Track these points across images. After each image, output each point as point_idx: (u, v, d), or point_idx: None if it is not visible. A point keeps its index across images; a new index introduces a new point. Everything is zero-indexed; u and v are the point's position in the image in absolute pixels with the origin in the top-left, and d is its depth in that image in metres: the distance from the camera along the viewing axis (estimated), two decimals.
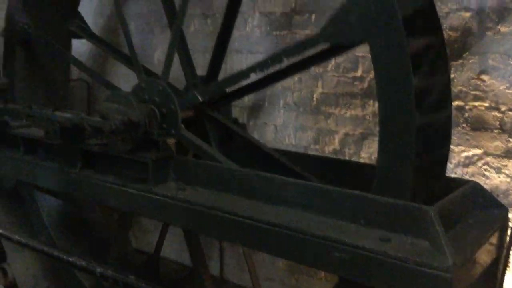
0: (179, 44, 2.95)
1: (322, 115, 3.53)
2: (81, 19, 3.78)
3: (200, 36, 4.04)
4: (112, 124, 2.47)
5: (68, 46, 3.89)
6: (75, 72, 4.45)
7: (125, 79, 4.17)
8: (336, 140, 3.48)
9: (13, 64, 3.67)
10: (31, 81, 3.74)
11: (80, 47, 4.40)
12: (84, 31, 3.73)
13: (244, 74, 2.58)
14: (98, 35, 3.85)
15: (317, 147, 3.58)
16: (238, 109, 3.86)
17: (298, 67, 2.57)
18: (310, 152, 3.51)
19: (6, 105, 3.17)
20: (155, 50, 4.44)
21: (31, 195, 3.82)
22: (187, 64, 3.13)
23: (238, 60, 3.81)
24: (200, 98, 2.76)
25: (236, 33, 3.43)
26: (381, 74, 2.01)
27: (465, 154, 3.00)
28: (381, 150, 2.05)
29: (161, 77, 2.80)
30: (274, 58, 2.39)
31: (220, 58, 3.01)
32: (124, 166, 2.67)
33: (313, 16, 3.47)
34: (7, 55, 3.68)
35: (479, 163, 2.96)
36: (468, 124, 2.96)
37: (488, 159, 2.92)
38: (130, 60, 3.13)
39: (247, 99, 3.86)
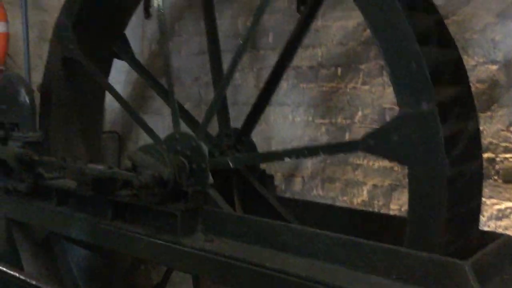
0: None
1: (350, 166, 3.53)
2: (126, 41, 3.84)
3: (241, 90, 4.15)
4: (142, 178, 2.52)
5: (107, 71, 3.95)
6: (107, 124, 4.58)
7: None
8: (365, 192, 3.45)
9: (48, 117, 3.80)
10: (65, 134, 3.85)
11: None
12: (127, 54, 3.79)
13: (280, 156, 2.87)
14: (139, 61, 3.90)
15: (345, 198, 3.55)
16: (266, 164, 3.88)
17: None
18: (338, 204, 3.49)
19: (41, 158, 3.26)
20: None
21: (61, 245, 3.86)
22: (223, 115, 3.23)
23: (266, 111, 3.86)
24: (231, 164, 2.84)
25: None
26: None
27: (497, 207, 2.94)
28: (412, 201, 2.03)
29: (197, 132, 2.85)
30: (312, 151, 2.60)
31: (257, 114, 3.09)
32: (153, 217, 2.70)
33: (339, 70, 3.53)
34: (43, 109, 3.82)
35: None
36: (500, 177, 2.91)
37: None
38: (167, 94, 3.24)
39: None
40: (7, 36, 3.76)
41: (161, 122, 4.43)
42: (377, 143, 2.11)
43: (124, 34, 3.83)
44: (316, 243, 2.15)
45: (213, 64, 3.39)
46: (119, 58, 3.85)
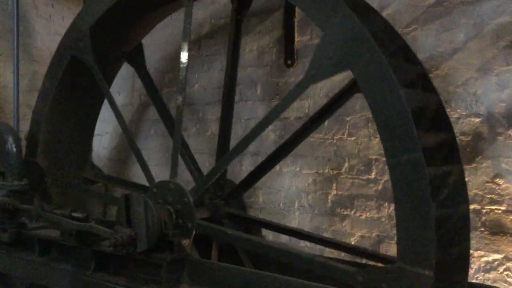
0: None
1: (337, 217, 3.52)
2: (141, 50, 3.81)
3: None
4: (118, 237, 2.50)
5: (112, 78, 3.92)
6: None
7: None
8: (352, 243, 3.43)
9: (34, 165, 3.77)
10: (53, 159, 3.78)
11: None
12: (138, 62, 3.79)
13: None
14: (150, 75, 3.89)
15: (333, 250, 3.51)
16: (253, 210, 3.87)
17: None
18: (326, 255, 3.45)
19: (25, 207, 3.21)
20: None
21: None
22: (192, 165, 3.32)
23: (253, 162, 3.89)
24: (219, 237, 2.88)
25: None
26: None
27: (485, 259, 2.93)
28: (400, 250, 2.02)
29: (191, 190, 2.85)
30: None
31: (258, 176, 3.23)
32: (137, 267, 2.65)
33: (326, 122, 3.58)
34: (29, 155, 3.78)
35: (500, 269, 2.87)
36: (486, 228, 2.92)
37: (510, 264, 2.84)
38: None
39: (262, 200, 3.88)
40: None
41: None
42: None
43: (141, 44, 3.81)
44: None
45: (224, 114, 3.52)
46: (131, 64, 3.86)
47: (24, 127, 4.00)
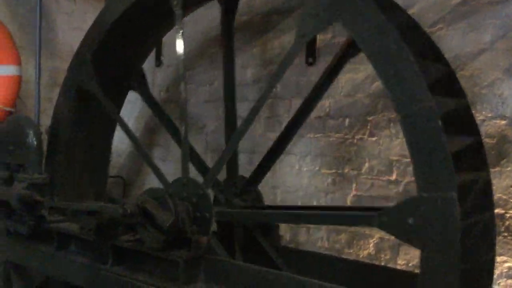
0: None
1: None
2: (143, 75, 3.81)
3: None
4: (127, 208, 2.49)
5: (120, 105, 3.91)
6: (112, 169, 4.57)
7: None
8: (371, 245, 3.38)
9: (54, 159, 3.80)
10: (71, 176, 3.82)
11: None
12: (142, 88, 3.77)
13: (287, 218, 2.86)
14: (154, 97, 3.88)
15: (351, 251, 3.48)
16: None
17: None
18: (344, 256, 3.41)
19: (44, 199, 3.23)
20: None
21: None
22: (232, 162, 3.29)
23: None
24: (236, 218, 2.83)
25: (270, 135, 3.52)
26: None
27: (508, 264, 2.86)
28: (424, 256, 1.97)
29: (206, 179, 2.83)
30: (322, 219, 2.57)
31: (268, 165, 3.16)
32: (154, 263, 2.63)
33: (347, 121, 3.54)
34: (50, 151, 3.81)
35: None
36: (510, 233, 2.85)
37: None
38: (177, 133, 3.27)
39: (279, 199, 3.85)
40: (19, 79, 3.81)
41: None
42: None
43: (142, 69, 3.82)
44: None
45: (228, 112, 3.41)
46: (134, 90, 3.83)
47: (45, 121, 4.03)
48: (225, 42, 3.45)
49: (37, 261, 3.35)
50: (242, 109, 3.64)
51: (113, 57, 3.55)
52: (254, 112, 2.65)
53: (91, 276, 2.92)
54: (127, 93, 3.89)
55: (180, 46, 2.98)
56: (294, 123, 3.03)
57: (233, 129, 3.41)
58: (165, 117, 3.67)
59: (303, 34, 2.32)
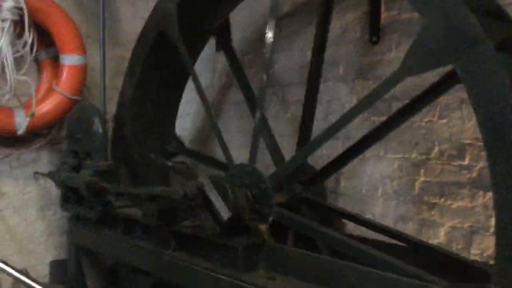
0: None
1: (425, 205, 3.29)
2: (228, 26, 3.77)
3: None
4: (187, 189, 2.49)
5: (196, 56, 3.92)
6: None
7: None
8: (442, 233, 3.20)
9: (120, 146, 3.89)
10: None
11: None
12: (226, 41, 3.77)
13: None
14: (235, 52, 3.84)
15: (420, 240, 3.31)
16: (334, 196, 3.73)
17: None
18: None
19: (109, 185, 3.32)
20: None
21: (128, 275, 3.87)
22: (274, 147, 3.26)
23: (335, 146, 3.74)
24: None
25: (333, 119, 3.40)
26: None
27: None
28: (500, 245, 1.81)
29: (272, 176, 2.80)
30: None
31: (343, 163, 3.11)
32: (214, 250, 2.64)
33: None
34: (116, 136, 3.91)
35: None
36: None
37: None
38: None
39: (343, 185, 3.73)
40: (85, 68, 3.91)
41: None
42: None
43: (228, 18, 3.75)
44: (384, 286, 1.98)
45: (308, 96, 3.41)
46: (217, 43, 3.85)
47: (111, 109, 4.12)
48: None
49: (106, 246, 3.47)
50: (301, 93, 3.55)
51: (200, 5, 3.49)
52: (332, 130, 2.67)
53: (156, 261, 2.97)
54: (206, 43, 3.90)
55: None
56: (382, 129, 2.88)
57: (311, 116, 3.36)
58: (244, 77, 3.68)
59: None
